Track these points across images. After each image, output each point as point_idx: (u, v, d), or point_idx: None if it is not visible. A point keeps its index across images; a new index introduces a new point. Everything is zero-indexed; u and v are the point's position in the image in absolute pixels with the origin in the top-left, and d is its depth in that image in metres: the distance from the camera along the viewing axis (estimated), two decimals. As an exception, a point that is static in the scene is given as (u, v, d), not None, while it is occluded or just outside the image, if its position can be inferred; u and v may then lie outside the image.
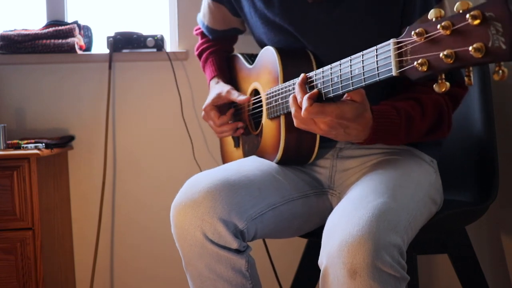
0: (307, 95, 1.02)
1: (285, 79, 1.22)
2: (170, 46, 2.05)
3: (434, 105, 1.15)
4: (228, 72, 1.57)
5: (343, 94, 1.00)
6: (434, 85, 0.80)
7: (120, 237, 2.01)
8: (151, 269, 2.02)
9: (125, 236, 2.01)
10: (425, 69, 0.79)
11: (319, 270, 1.00)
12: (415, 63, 0.80)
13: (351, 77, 0.96)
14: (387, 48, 0.87)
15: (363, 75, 0.93)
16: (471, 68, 0.75)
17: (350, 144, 1.30)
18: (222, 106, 1.46)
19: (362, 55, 0.94)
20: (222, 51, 1.60)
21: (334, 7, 1.21)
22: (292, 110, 1.07)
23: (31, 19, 2.08)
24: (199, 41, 1.66)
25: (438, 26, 0.75)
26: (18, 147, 1.66)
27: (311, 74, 1.07)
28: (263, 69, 1.34)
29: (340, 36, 1.23)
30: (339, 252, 0.94)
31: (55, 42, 1.88)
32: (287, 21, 1.27)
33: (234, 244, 1.09)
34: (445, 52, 0.75)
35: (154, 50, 1.94)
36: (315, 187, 1.29)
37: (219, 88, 1.46)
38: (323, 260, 0.99)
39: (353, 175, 1.26)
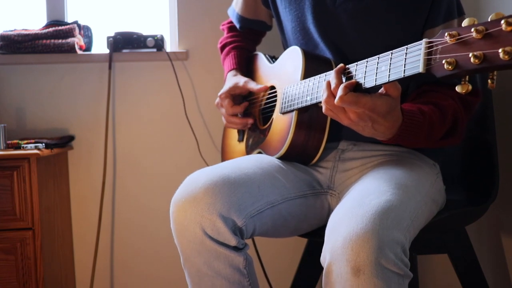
0: (344, 84, 1.00)
1: (305, 78, 1.23)
2: (170, 46, 2.05)
3: (452, 112, 1.16)
4: (246, 69, 1.59)
5: (379, 87, 0.99)
6: (456, 86, 0.83)
7: (120, 237, 2.01)
8: (151, 268, 2.02)
9: (125, 236, 2.01)
10: (451, 68, 0.81)
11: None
12: (443, 61, 0.82)
13: (378, 72, 0.97)
14: (418, 47, 0.89)
15: (389, 72, 0.94)
16: (495, 72, 0.78)
17: (352, 145, 1.31)
18: (237, 98, 1.48)
19: (391, 53, 0.95)
20: (244, 48, 1.63)
21: (358, 12, 1.25)
22: (324, 95, 1.05)
23: (31, 19, 2.08)
24: (225, 35, 1.69)
25: (472, 29, 0.78)
26: (18, 147, 1.66)
27: (347, 65, 1.07)
28: (284, 67, 1.36)
29: (362, 40, 1.26)
30: (342, 249, 0.95)
31: (55, 42, 1.88)
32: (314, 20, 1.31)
33: (232, 241, 1.09)
34: (474, 53, 0.77)
35: (154, 50, 1.94)
36: (314, 188, 1.29)
37: (236, 79, 1.49)
38: (326, 256, 0.99)
39: (354, 175, 1.27)
